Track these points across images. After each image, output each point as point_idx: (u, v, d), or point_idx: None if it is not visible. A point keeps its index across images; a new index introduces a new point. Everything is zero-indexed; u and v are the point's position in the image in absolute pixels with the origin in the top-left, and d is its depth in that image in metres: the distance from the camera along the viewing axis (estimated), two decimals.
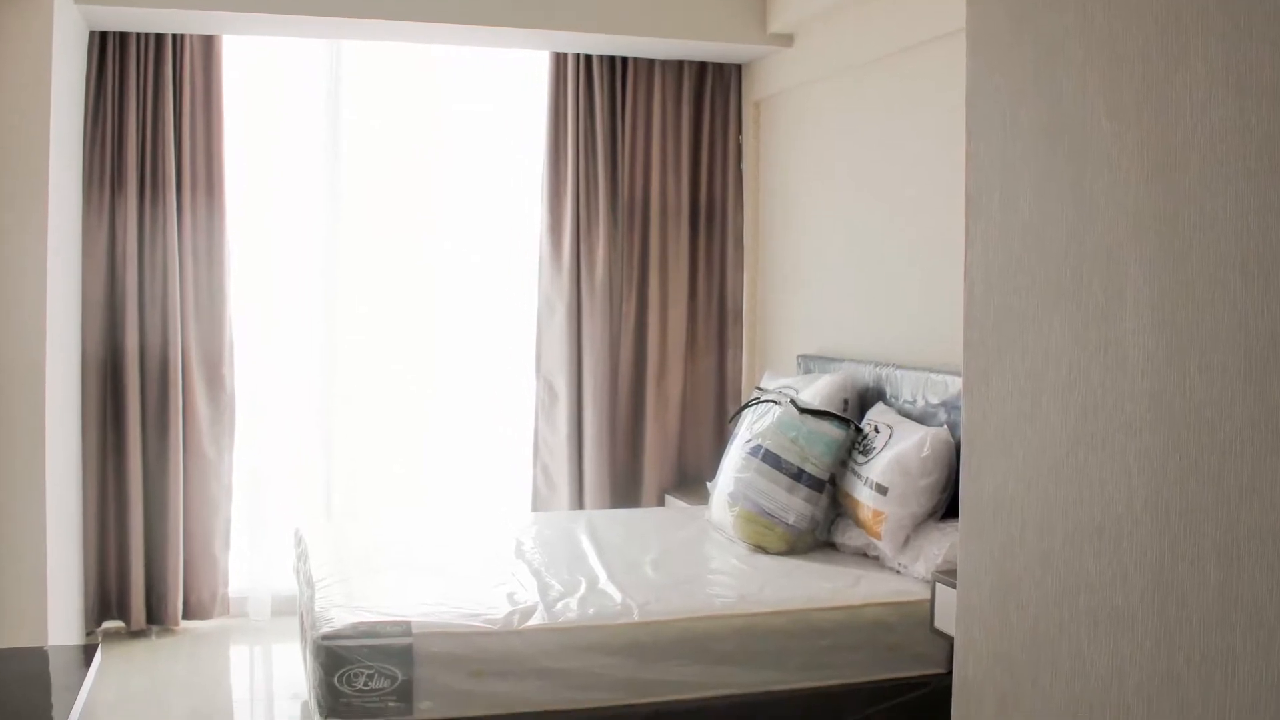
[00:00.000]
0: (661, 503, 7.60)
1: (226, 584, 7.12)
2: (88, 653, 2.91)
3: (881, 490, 5.21)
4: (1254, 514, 1.62)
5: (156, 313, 6.80)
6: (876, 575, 5.23)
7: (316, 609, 4.59)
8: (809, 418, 5.67)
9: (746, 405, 6.29)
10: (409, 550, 5.65)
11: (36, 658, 3.07)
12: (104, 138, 6.68)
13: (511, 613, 4.57)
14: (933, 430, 5.20)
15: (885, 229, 6.32)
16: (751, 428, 5.97)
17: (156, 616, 6.89)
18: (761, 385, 6.52)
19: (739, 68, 7.81)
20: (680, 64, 7.69)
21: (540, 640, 4.46)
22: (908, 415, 5.61)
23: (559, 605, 4.72)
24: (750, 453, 5.82)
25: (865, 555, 5.52)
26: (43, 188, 5.48)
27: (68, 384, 6.24)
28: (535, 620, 4.55)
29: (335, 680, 4.18)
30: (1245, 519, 1.63)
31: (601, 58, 7.53)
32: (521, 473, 7.79)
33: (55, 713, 2.56)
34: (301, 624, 5.42)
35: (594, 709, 4.46)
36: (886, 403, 5.83)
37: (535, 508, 7.68)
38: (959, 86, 2.42)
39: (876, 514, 5.23)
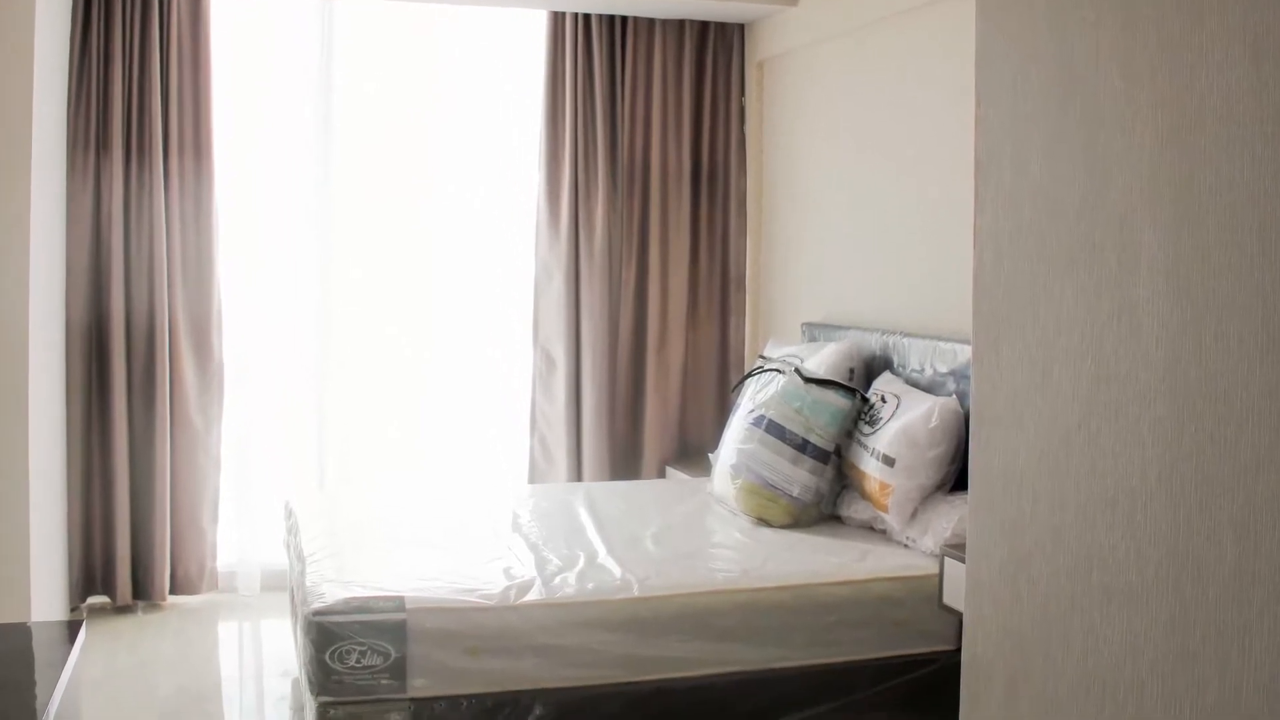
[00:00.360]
0: (662, 475, 7.61)
1: (215, 558, 7.13)
2: (72, 629, 2.91)
3: (888, 462, 5.21)
4: (1271, 486, 1.62)
5: (143, 278, 6.78)
6: (883, 549, 5.23)
7: (307, 584, 4.59)
8: (814, 387, 5.67)
9: (749, 374, 6.28)
10: (403, 523, 5.65)
11: (19, 634, 3.08)
12: (89, 99, 6.65)
13: (508, 588, 4.57)
14: (941, 400, 5.20)
15: (892, 193, 6.31)
16: (754, 398, 5.97)
17: (143, 591, 6.90)
18: (765, 354, 6.52)
19: (742, 27, 7.78)
20: (681, 23, 7.67)
21: (537, 616, 4.46)
22: (915, 384, 5.61)
23: (557, 580, 4.72)
24: (753, 423, 5.82)
25: (871, 529, 5.52)
26: (26, 150, 5.47)
27: (51, 352, 6.23)
28: (532, 595, 4.55)
29: (326, 657, 4.18)
30: (1262, 491, 1.63)
31: (600, 17, 7.51)
32: (518, 444, 7.79)
33: (38, 690, 2.56)
34: (292, 599, 5.42)
35: (593, 687, 4.46)
36: (894, 372, 5.83)
37: (532, 480, 7.69)
38: (968, 47, 2.41)
39: (883, 486, 5.24)
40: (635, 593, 4.63)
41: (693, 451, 7.76)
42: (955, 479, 5.16)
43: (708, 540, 5.50)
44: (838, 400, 5.60)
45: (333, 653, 4.18)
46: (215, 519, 7.11)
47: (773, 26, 7.49)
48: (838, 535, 5.49)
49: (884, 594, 4.84)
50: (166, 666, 6.13)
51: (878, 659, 4.78)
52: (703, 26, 7.72)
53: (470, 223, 7.75)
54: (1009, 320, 2.16)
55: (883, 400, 5.50)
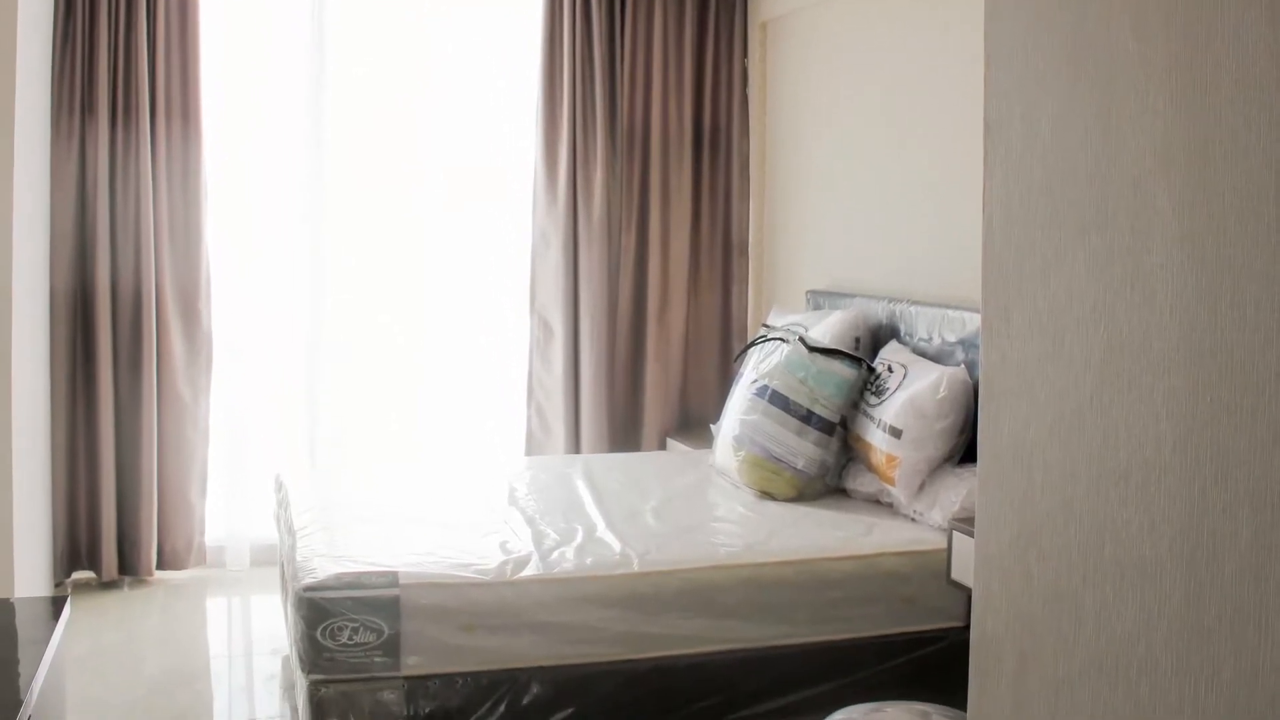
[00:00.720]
0: (663, 446, 7.62)
1: (203, 532, 7.14)
2: (56, 605, 2.91)
3: (895, 433, 5.21)
4: None
5: (129, 245, 6.77)
6: (890, 523, 5.24)
7: (298, 559, 4.60)
8: (819, 357, 5.67)
9: (752, 343, 6.28)
10: (396, 497, 5.66)
11: (2, 610, 3.07)
12: (74, 61, 6.62)
13: (504, 563, 4.58)
14: (949, 370, 5.20)
15: (900, 157, 6.30)
16: (758, 367, 5.97)
17: (129, 566, 6.91)
18: (768, 322, 6.51)
19: None
20: None
21: (535, 592, 4.47)
22: (923, 354, 5.61)
23: (554, 555, 4.73)
24: (757, 394, 5.82)
25: (878, 502, 5.53)
26: (9, 113, 5.44)
27: (35, 320, 6.22)
28: (529, 571, 4.55)
29: (318, 634, 4.19)
30: None
31: None
32: (515, 415, 7.79)
33: (22, 668, 2.56)
34: (282, 575, 5.43)
35: (591, 664, 4.47)
36: (901, 341, 5.83)
37: (529, 452, 7.69)
38: (977, 6, 2.40)
39: (890, 458, 5.24)
40: (635, 568, 4.63)
41: (694, 423, 7.76)
42: (964, 451, 5.16)
43: (710, 514, 5.51)
44: (843, 370, 5.59)
45: (324, 629, 4.19)
46: (203, 492, 7.11)
47: None
48: (843, 509, 5.49)
49: (890, 569, 4.84)
50: (153, 644, 6.14)
51: (884, 636, 4.79)
52: None
53: (466, 188, 7.74)
54: (1019, 288, 2.15)
55: (889, 370, 5.50)
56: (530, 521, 5.19)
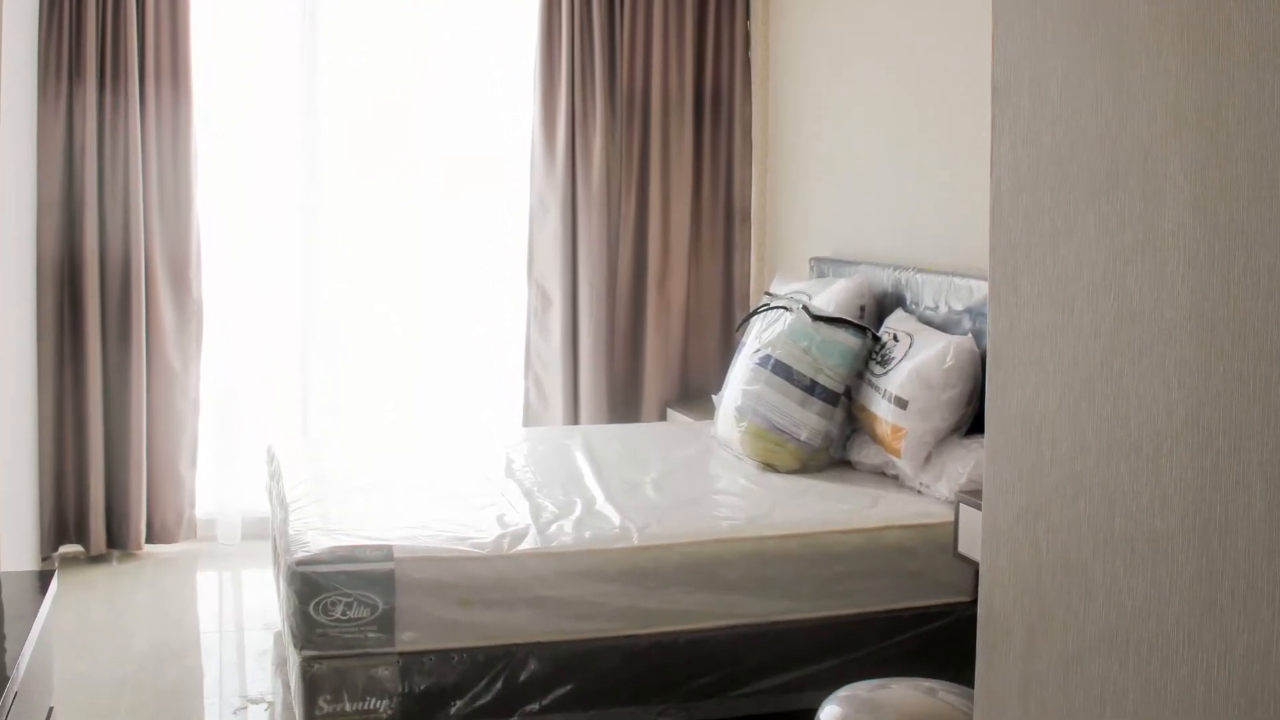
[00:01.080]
0: (663, 417, 7.62)
1: (193, 505, 7.14)
2: (43, 579, 2.92)
3: (901, 404, 5.21)
4: None
5: (118, 211, 6.77)
6: (895, 495, 5.24)
7: (290, 532, 4.60)
8: (822, 325, 5.66)
9: (755, 312, 6.27)
10: (391, 469, 5.66)
11: None
12: (60, 22, 6.61)
13: (501, 536, 4.58)
14: (956, 339, 5.19)
15: (906, 121, 6.29)
16: (760, 336, 5.96)
17: (118, 540, 6.92)
18: (771, 290, 6.51)
19: None
20: None
21: (532, 566, 4.47)
22: (929, 323, 5.60)
23: (553, 528, 4.73)
24: (759, 363, 5.82)
25: (883, 474, 5.53)
26: None
27: (21, 289, 6.22)
28: (527, 544, 4.56)
29: (311, 609, 4.19)
30: None
31: None
32: (512, 385, 7.79)
33: (8, 643, 2.56)
34: (274, 548, 5.44)
35: (590, 639, 4.48)
36: (906, 309, 5.82)
37: (527, 423, 7.70)
38: None
39: (895, 429, 5.24)
40: (635, 541, 4.64)
41: (695, 393, 7.76)
42: (971, 422, 5.16)
43: (711, 486, 5.52)
44: (848, 339, 5.59)
45: (317, 604, 4.19)
46: (194, 464, 7.12)
47: None
48: (848, 481, 5.49)
49: (896, 543, 4.85)
50: (143, 618, 6.15)
51: (889, 611, 4.79)
52: None
53: (462, 152, 7.72)
54: (1027, 255, 2.15)
55: (895, 339, 5.50)
56: (528, 494, 5.19)
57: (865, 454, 5.61)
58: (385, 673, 4.25)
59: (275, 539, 5.31)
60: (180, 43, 6.85)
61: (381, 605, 4.24)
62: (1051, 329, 2.09)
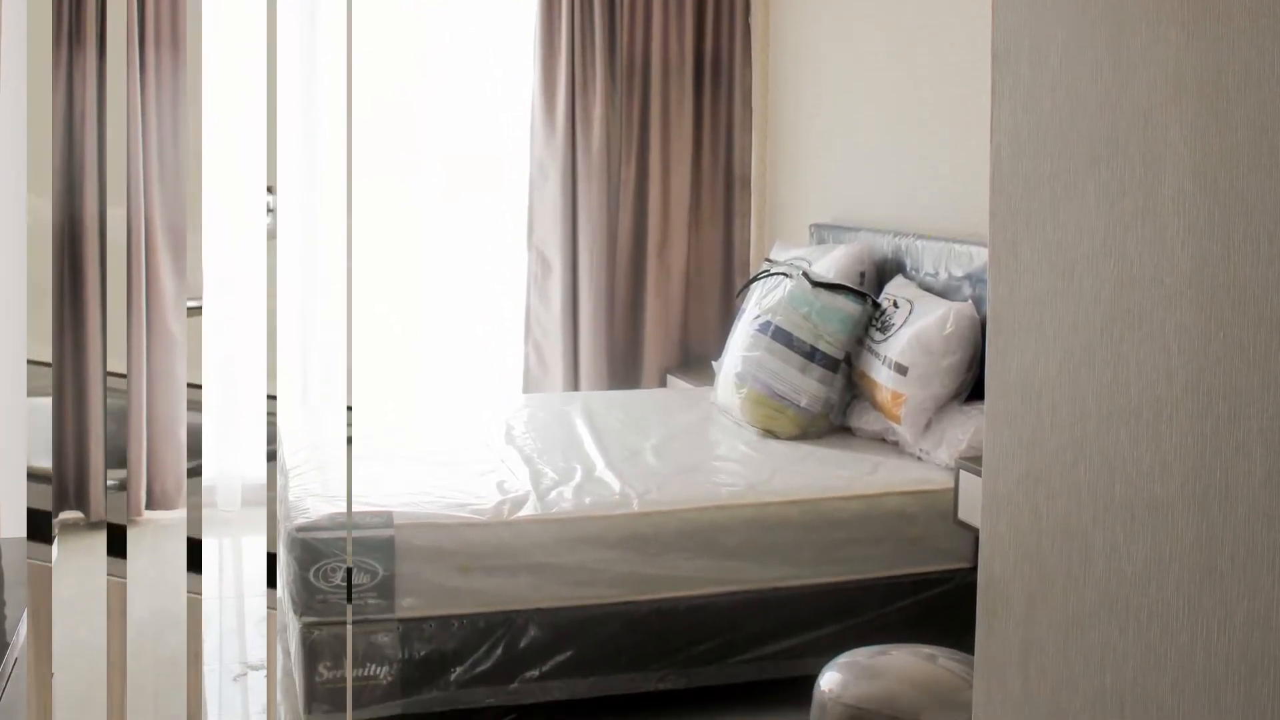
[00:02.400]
0: (663, 384, 7.62)
1: None
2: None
3: (901, 370, 5.21)
4: None
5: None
6: (895, 462, 5.24)
7: (291, 499, 4.61)
8: (823, 292, 5.66)
9: (755, 278, 6.27)
10: (391, 436, 5.66)
11: None
12: None
13: (501, 503, 4.59)
14: (956, 305, 5.19)
15: (906, 87, 6.28)
16: (760, 303, 5.96)
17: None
18: (771, 257, 6.50)
19: None
20: None
21: (532, 532, 4.48)
22: (929, 289, 5.60)
23: (552, 495, 4.73)
24: (759, 330, 5.81)
25: (883, 440, 5.53)
26: None
27: (19, 255, 6.21)
28: (527, 511, 4.56)
29: (311, 575, 4.20)
30: None
31: None
32: (512, 352, 7.78)
33: (8, 610, 2.57)
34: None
35: (590, 606, 4.49)
36: (907, 276, 5.82)
37: (527, 389, 7.69)
38: None
39: (895, 396, 5.24)
40: (635, 508, 4.64)
41: (695, 359, 7.76)
42: (971, 388, 5.16)
43: (711, 453, 5.52)
44: (848, 305, 5.59)
45: (318, 570, 4.20)
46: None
47: None
48: (848, 447, 5.50)
49: (896, 509, 4.85)
50: (142, 585, 6.14)
51: (889, 577, 4.80)
52: None
53: (460, 118, 7.70)
54: (1027, 221, 2.15)
55: (895, 305, 5.50)
56: (528, 460, 5.20)
57: (865, 420, 5.61)
58: (385, 639, 4.26)
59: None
60: (180, 10, 6.81)
61: (381, 571, 4.25)
62: (1051, 295, 2.09)
